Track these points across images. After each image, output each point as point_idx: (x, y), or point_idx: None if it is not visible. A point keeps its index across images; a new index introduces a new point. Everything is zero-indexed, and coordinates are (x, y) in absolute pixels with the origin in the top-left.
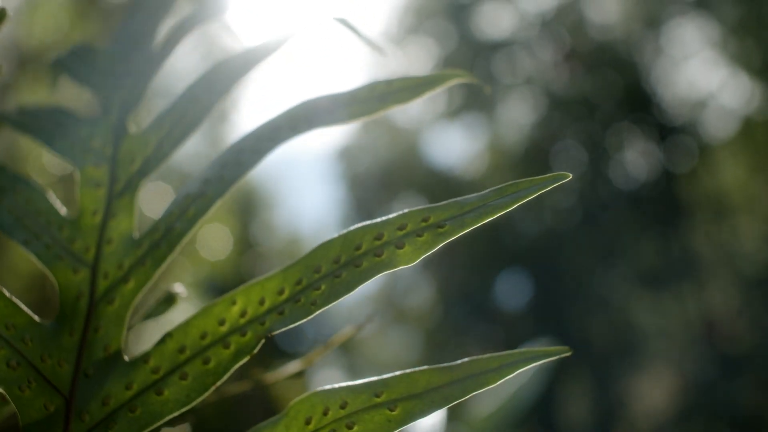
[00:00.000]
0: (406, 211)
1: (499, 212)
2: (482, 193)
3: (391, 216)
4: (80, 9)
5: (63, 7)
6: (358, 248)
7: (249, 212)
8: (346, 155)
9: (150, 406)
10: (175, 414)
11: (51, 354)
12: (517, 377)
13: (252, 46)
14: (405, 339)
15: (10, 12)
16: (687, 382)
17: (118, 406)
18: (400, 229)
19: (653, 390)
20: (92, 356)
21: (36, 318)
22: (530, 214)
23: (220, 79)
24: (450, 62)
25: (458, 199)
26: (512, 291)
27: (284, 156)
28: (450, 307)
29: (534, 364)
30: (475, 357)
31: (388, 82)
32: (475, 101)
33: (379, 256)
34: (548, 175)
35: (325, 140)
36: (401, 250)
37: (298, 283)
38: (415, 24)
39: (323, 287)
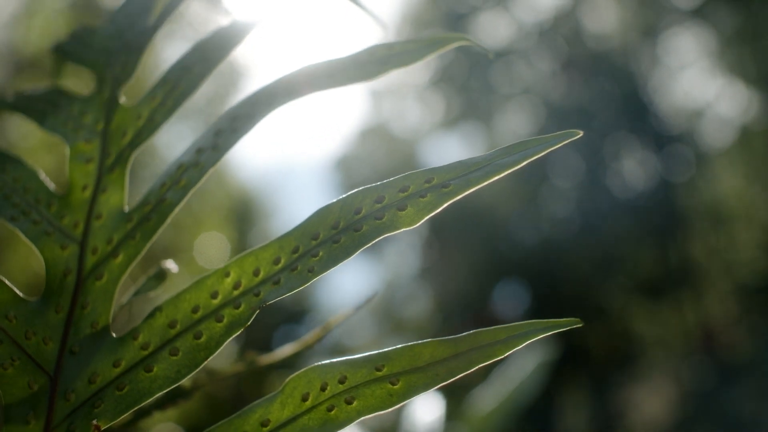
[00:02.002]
0: (408, 173)
1: (506, 170)
2: (489, 152)
3: (392, 179)
4: (76, 16)
5: (59, 13)
6: (357, 212)
7: (246, 221)
8: (344, 165)
9: (138, 384)
10: (165, 390)
11: (36, 331)
12: (515, 375)
13: (245, 16)
14: None
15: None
16: (685, 390)
17: (105, 384)
18: (402, 191)
19: (652, 399)
20: (79, 333)
21: (20, 294)
22: (528, 223)
23: (214, 49)
24: (448, 71)
25: (463, 159)
26: (510, 300)
27: (282, 165)
28: (448, 317)
29: (543, 335)
30: (480, 329)
31: (389, 46)
32: (473, 111)
33: (379, 219)
34: (557, 133)
35: (323, 149)
36: (403, 212)
37: (295, 251)
38: (412, 34)
39: (321, 253)
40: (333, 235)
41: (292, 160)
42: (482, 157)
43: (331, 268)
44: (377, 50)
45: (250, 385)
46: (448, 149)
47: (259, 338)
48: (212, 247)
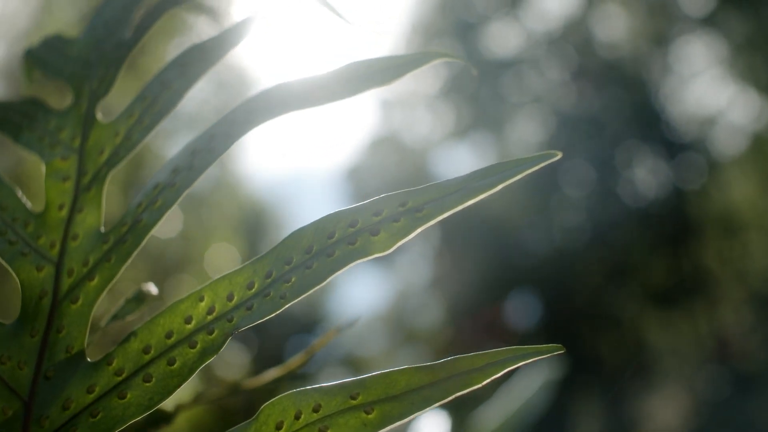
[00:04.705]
0: (382, 196)
1: (483, 194)
2: (465, 174)
3: (366, 202)
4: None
5: (70, 28)
6: (331, 237)
7: (257, 232)
8: (355, 175)
9: (112, 410)
10: (137, 418)
11: (11, 355)
12: (523, 390)
13: (226, 29)
14: (415, 359)
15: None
16: (699, 400)
17: (79, 411)
18: (376, 215)
19: (665, 409)
20: (54, 358)
21: None
22: (539, 233)
23: (193, 63)
24: (457, 81)
25: (439, 181)
26: (522, 310)
27: (292, 176)
28: (460, 327)
29: (523, 362)
30: (459, 355)
31: (370, 62)
32: (484, 120)
33: (352, 244)
34: (536, 154)
35: (334, 160)
36: (376, 237)
37: (268, 276)
38: (422, 43)
39: (293, 279)
40: (306, 260)
41: (302, 171)
42: (458, 179)
43: (302, 294)
44: (357, 68)
45: (263, 395)
46: (459, 159)
47: (271, 349)
48: (223, 259)
